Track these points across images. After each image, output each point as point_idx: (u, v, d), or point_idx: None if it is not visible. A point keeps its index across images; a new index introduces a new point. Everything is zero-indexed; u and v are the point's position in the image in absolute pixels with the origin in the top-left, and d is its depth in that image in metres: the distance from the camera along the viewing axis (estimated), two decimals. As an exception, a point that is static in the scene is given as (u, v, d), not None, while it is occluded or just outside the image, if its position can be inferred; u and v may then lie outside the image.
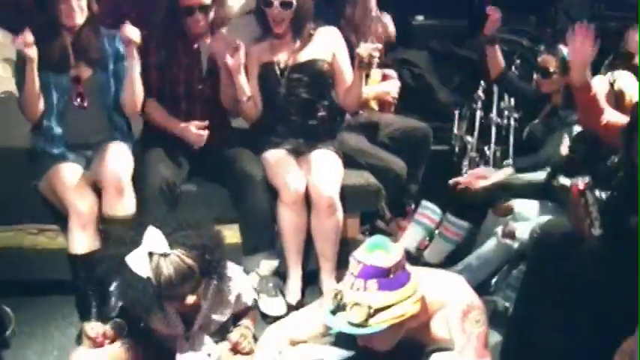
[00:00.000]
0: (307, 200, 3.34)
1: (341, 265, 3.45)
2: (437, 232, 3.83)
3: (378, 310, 2.07)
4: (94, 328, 2.63)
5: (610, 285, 2.42)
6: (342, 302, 2.10)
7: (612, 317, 2.42)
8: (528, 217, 3.39)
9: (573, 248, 2.59)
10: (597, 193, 2.57)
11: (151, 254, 2.26)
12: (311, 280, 3.52)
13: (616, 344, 2.31)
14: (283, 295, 3.37)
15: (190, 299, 2.35)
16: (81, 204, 3.03)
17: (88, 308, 3.03)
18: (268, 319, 3.19)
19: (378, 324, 2.08)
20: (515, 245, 3.32)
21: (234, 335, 2.60)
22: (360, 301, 2.06)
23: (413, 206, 4.13)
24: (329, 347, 2.51)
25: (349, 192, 3.48)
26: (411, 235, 3.86)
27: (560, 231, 2.74)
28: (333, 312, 2.13)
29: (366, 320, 2.06)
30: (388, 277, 2.07)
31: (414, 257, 3.69)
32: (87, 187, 3.10)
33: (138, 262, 2.27)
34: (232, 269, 2.56)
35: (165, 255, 2.26)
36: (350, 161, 3.64)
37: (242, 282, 2.65)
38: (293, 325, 2.52)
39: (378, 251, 2.10)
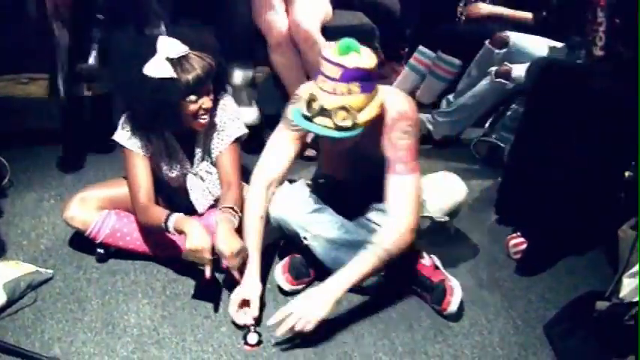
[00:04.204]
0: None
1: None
2: (428, 71, 3.74)
3: (358, 112, 2.03)
4: None
5: (609, 117, 2.38)
6: (322, 107, 2.02)
7: (610, 149, 2.41)
8: (525, 48, 3.37)
9: (573, 83, 2.55)
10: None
11: (170, 59, 2.23)
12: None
13: (614, 175, 2.37)
14: (258, 106, 3.38)
15: (207, 102, 2.32)
16: None
17: None
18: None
19: (361, 125, 2.04)
20: (510, 86, 3.29)
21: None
22: (346, 104, 2.00)
23: (407, 49, 4.06)
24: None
25: (342, 32, 3.32)
26: (405, 80, 3.80)
27: (558, 66, 2.72)
28: (310, 118, 2.06)
29: (354, 124, 2.03)
30: (370, 80, 2.02)
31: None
32: None
33: (158, 67, 2.23)
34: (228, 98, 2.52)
35: (185, 56, 2.24)
36: (344, 1, 3.53)
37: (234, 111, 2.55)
38: (267, 164, 2.39)
39: (353, 53, 2.00)
